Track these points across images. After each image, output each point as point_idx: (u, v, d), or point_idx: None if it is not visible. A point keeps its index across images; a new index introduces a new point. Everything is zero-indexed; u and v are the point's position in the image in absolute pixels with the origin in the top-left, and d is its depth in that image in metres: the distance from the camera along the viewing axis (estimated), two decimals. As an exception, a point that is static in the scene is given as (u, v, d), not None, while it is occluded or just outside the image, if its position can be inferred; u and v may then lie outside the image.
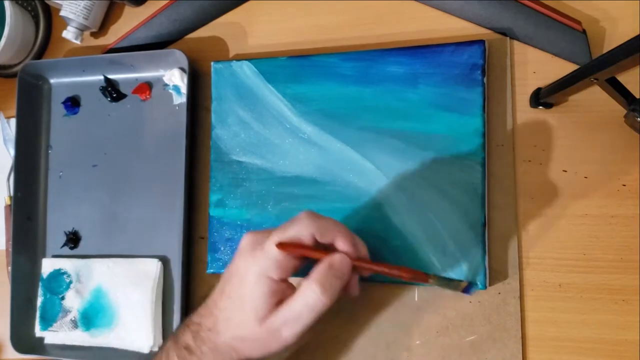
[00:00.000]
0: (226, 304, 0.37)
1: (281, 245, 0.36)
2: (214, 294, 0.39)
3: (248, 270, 0.36)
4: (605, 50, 0.43)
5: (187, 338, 0.38)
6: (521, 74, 0.46)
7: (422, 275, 0.38)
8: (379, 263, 0.39)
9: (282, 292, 0.37)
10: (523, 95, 0.46)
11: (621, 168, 0.43)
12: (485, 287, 0.43)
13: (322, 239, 0.37)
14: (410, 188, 0.45)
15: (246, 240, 0.38)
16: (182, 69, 0.54)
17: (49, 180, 0.58)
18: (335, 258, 0.36)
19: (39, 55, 0.62)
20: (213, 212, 0.51)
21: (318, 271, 0.35)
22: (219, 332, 0.37)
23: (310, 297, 0.35)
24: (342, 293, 0.37)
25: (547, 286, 0.44)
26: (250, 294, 0.36)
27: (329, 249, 0.38)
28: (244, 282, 0.37)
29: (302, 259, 0.37)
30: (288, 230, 0.36)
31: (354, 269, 0.37)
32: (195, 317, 0.39)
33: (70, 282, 0.55)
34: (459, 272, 0.43)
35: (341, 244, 0.37)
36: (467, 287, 0.39)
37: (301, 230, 0.36)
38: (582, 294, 0.43)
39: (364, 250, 0.39)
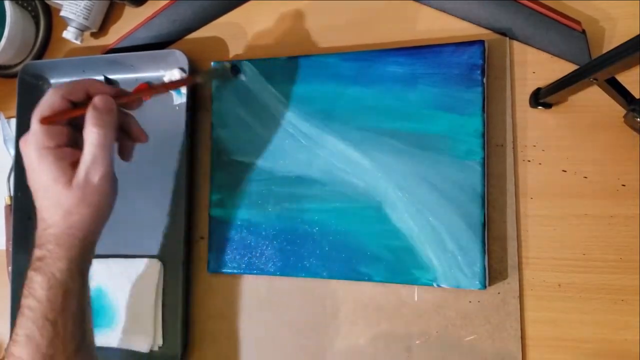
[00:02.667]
0: (39, 197, 0.39)
1: (43, 119, 0.38)
2: (35, 205, 0.40)
3: (30, 156, 0.38)
4: (605, 51, 0.43)
5: (36, 252, 0.40)
6: (521, 74, 0.46)
7: (185, 81, 0.42)
8: (135, 90, 0.42)
9: (69, 155, 0.39)
10: (523, 95, 0.46)
11: (621, 168, 0.43)
12: (485, 287, 0.43)
13: (76, 97, 0.39)
14: (410, 188, 0.45)
15: (20, 141, 0.40)
16: (182, 69, 0.54)
17: (49, 180, 0.58)
18: (95, 99, 0.39)
19: (39, 55, 0.62)
20: (213, 212, 0.51)
21: (87, 117, 0.38)
22: (51, 225, 0.39)
23: (93, 138, 0.38)
24: (131, 141, 0.43)
25: (546, 286, 0.44)
26: (43, 172, 0.38)
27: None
28: (34, 168, 0.39)
29: (68, 125, 0.39)
30: (41, 106, 0.39)
31: (124, 105, 0.41)
32: (36, 234, 0.41)
33: (71, 282, 0.55)
34: (459, 271, 0.43)
35: (94, 89, 0.40)
36: (235, 69, 0.43)
37: (52, 98, 0.39)
38: (581, 294, 0.43)
39: (116, 90, 0.41)
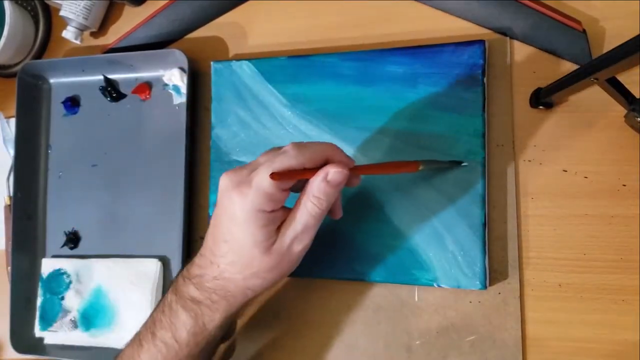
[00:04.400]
0: (224, 249, 0.36)
1: (275, 175, 0.34)
2: (206, 244, 0.38)
3: (237, 209, 0.35)
4: (605, 50, 0.43)
5: (190, 290, 0.37)
6: (521, 73, 0.46)
7: (412, 165, 0.39)
8: (372, 164, 0.39)
9: (278, 218, 0.36)
10: (523, 95, 0.46)
11: (621, 168, 0.43)
12: (485, 287, 0.43)
13: (314, 164, 0.36)
14: (410, 188, 0.45)
15: (226, 180, 0.36)
16: (182, 69, 0.54)
17: (48, 180, 0.58)
18: (331, 172, 0.35)
19: (39, 55, 0.62)
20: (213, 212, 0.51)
21: (316, 185, 0.35)
22: (226, 278, 0.36)
23: (312, 209, 0.35)
24: (329, 215, 0.39)
25: (547, 286, 0.44)
26: (247, 233, 0.35)
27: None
28: (237, 222, 0.35)
29: (289, 191, 0.36)
30: (276, 162, 0.35)
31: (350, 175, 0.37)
32: (193, 270, 0.38)
33: (70, 282, 0.55)
34: (459, 272, 0.43)
35: (333, 158, 0.37)
36: (457, 161, 0.41)
37: (291, 159, 0.35)
38: (581, 294, 0.43)
39: (352, 163, 0.39)
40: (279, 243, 0.36)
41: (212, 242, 0.37)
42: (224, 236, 0.36)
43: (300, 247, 0.37)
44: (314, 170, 0.36)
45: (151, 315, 0.40)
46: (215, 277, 0.37)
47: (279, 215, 0.36)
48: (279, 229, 0.36)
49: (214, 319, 0.37)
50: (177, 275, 0.40)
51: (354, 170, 0.37)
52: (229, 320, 0.38)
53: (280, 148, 0.37)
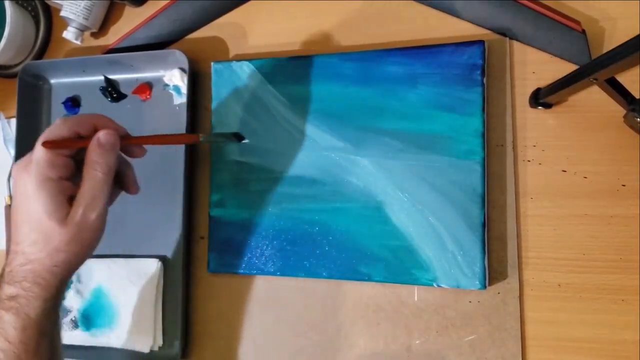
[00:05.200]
0: (23, 231, 0.37)
1: (47, 143, 0.36)
2: (11, 237, 0.39)
3: (27, 185, 0.36)
4: (604, 51, 0.43)
5: (5, 289, 0.37)
6: (521, 74, 0.46)
7: (190, 136, 0.41)
8: (146, 136, 0.41)
9: (68, 190, 0.37)
10: (523, 95, 0.46)
11: (621, 168, 0.43)
12: (484, 287, 0.43)
13: (83, 130, 0.38)
14: (409, 188, 0.45)
15: (15, 166, 0.38)
16: (182, 69, 0.54)
17: (49, 180, 0.58)
18: (100, 134, 0.38)
19: (39, 55, 0.62)
20: (213, 212, 0.51)
21: (90, 152, 0.37)
22: (32, 260, 0.37)
23: (93, 175, 0.37)
24: (121, 189, 0.42)
25: (546, 286, 0.44)
26: (39, 203, 0.36)
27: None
28: (28, 198, 0.37)
29: (71, 158, 0.38)
30: (47, 132, 0.37)
31: (126, 150, 0.41)
32: (5, 269, 0.39)
33: (71, 282, 0.55)
34: (459, 271, 0.43)
35: (101, 124, 0.39)
36: (239, 136, 0.43)
37: (59, 128, 0.37)
38: (581, 294, 0.43)
39: (123, 130, 0.41)
40: (73, 213, 0.37)
41: (14, 233, 0.38)
42: (23, 217, 0.37)
43: (93, 214, 0.37)
44: (85, 140, 0.38)
45: None
46: (22, 264, 0.37)
47: (67, 186, 0.38)
48: (70, 202, 0.37)
49: (34, 306, 0.37)
50: None
51: (131, 139, 0.40)
52: (52, 305, 0.38)
53: None
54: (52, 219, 0.36)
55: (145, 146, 0.42)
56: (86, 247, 0.38)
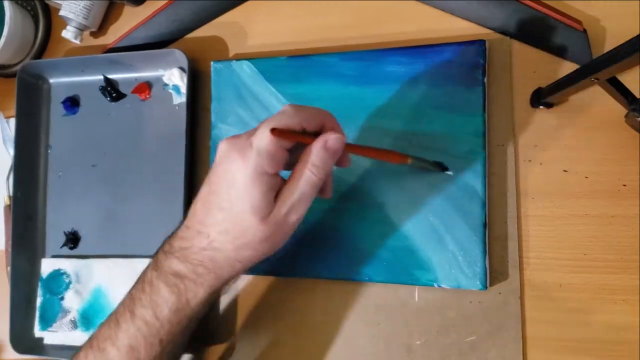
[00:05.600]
0: (218, 217, 0.35)
1: (275, 131, 0.33)
2: (194, 214, 0.36)
3: (239, 173, 0.33)
4: (605, 50, 0.43)
5: (174, 264, 0.35)
6: (521, 73, 0.46)
7: (404, 157, 0.39)
8: (364, 146, 0.39)
9: (277, 185, 0.35)
10: (523, 95, 0.46)
11: (621, 168, 0.43)
12: (485, 287, 0.43)
13: (310, 127, 0.35)
14: (410, 188, 0.45)
15: (227, 145, 0.35)
16: (182, 69, 0.54)
17: (48, 180, 0.58)
18: (330, 138, 0.35)
19: (39, 55, 0.61)
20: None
21: (314, 153, 0.34)
22: (216, 248, 0.35)
23: (309, 177, 0.34)
24: (319, 194, 0.37)
25: (547, 286, 0.44)
26: (248, 197, 0.33)
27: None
28: (237, 187, 0.34)
29: (290, 152, 0.35)
30: (276, 118, 0.34)
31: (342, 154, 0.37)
32: (177, 242, 0.36)
33: (70, 282, 0.55)
34: (460, 272, 0.43)
35: (330, 125, 0.36)
36: (443, 166, 0.43)
37: (290, 118, 0.34)
38: (582, 294, 0.43)
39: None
40: (276, 211, 0.34)
41: (202, 212, 0.36)
42: (221, 203, 0.34)
43: (295, 217, 0.35)
44: (312, 137, 0.35)
45: (129, 294, 0.38)
46: (204, 248, 0.35)
47: (278, 182, 0.35)
48: (275, 198, 0.35)
49: (198, 294, 0.35)
50: (157, 251, 0.39)
51: (346, 147, 0.37)
52: (213, 296, 0.37)
53: None
54: (256, 215, 0.34)
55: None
56: (274, 247, 0.36)
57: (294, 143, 0.35)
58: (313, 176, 0.35)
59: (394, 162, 0.40)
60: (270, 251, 0.37)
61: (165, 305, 0.35)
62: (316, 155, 0.34)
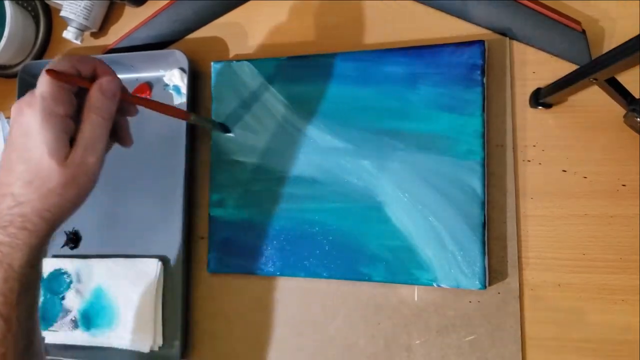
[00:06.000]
0: (18, 171, 0.35)
1: (51, 72, 0.35)
2: (1, 179, 0.36)
3: (31, 121, 0.35)
4: (604, 50, 0.43)
5: None
6: (521, 74, 0.46)
7: (184, 113, 0.43)
8: (145, 98, 0.42)
9: (69, 128, 0.36)
10: (523, 95, 0.46)
11: (621, 168, 0.43)
12: (484, 287, 0.43)
13: (84, 70, 0.37)
14: (409, 188, 0.45)
15: (16, 104, 0.36)
16: (182, 69, 0.54)
17: (49, 180, 0.58)
18: (103, 80, 0.37)
19: (39, 55, 0.62)
20: (213, 212, 0.51)
21: (92, 97, 0.36)
22: (22, 203, 0.35)
23: (94, 119, 0.36)
24: (115, 141, 0.41)
25: (546, 286, 0.44)
26: (42, 140, 0.34)
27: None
28: (31, 134, 0.35)
29: (77, 97, 0.37)
30: (50, 65, 0.36)
31: (122, 104, 0.39)
32: None
33: (71, 282, 0.55)
34: (459, 271, 0.43)
35: (102, 70, 0.38)
36: (224, 127, 0.46)
37: (62, 62, 0.36)
38: (581, 294, 0.43)
39: (121, 83, 0.40)
40: (73, 154, 0.35)
41: (4, 173, 0.36)
42: (20, 155, 0.35)
43: (93, 158, 0.36)
44: (89, 82, 0.37)
45: None
46: (10, 207, 0.35)
47: (70, 125, 0.36)
48: (71, 144, 0.36)
49: (18, 256, 0.35)
50: None
51: (128, 96, 0.39)
52: (37, 255, 0.37)
53: None
54: (53, 157, 0.34)
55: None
56: (81, 192, 0.37)
57: (75, 87, 0.37)
58: (98, 117, 0.36)
59: (177, 117, 0.43)
60: (78, 197, 0.37)
61: None
62: (95, 98, 0.36)
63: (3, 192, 0.36)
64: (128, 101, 0.40)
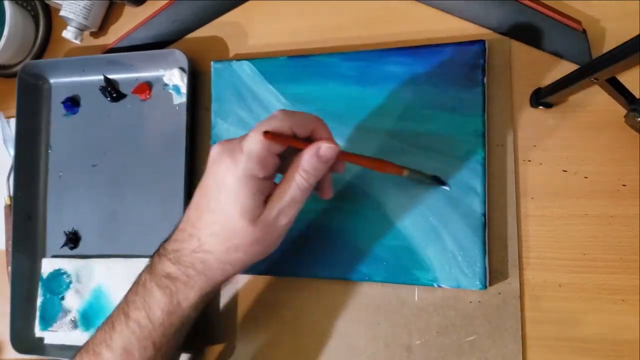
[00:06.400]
0: (208, 219, 0.35)
1: (268, 134, 0.33)
2: (187, 217, 0.37)
3: (229, 175, 0.34)
4: (605, 50, 0.43)
5: (166, 266, 0.36)
6: (521, 74, 0.46)
7: (397, 168, 0.40)
8: (359, 155, 0.39)
9: (267, 189, 0.35)
10: (523, 95, 0.46)
11: (621, 168, 0.43)
12: (485, 287, 0.43)
13: (301, 132, 0.35)
14: (410, 188, 0.45)
15: (218, 148, 0.35)
16: (182, 69, 0.54)
17: (48, 180, 0.58)
18: (323, 147, 0.35)
19: (39, 55, 0.62)
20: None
21: (306, 159, 0.35)
22: (207, 251, 0.35)
23: (301, 182, 0.35)
24: (317, 192, 0.39)
25: (547, 286, 0.44)
26: (237, 200, 0.34)
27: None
28: (226, 189, 0.34)
29: (280, 158, 0.36)
30: (268, 123, 0.34)
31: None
32: (170, 245, 0.37)
33: (70, 282, 0.55)
34: (459, 272, 0.43)
35: (321, 133, 0.36)
36: (441, 180, 0.43)
37: (281, 122, 0.34)
38: (582, 294, 0.43)
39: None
40: (266, 214, 0.35)
41: (194, 214, 0.36)
42: (211, 206, 0.35)
43: (285, 220, 0.36)
44: (304, 142, 0.35)
45: (125, 297, 0.39)
46: (194, 250, 0.35)
47: (268, 186, 0.35)
48: (265, 201, 0.35)
49: (189, 296, 0.36)
50: (153, 254, 0.39)
51: (341, 155, 0.37)
52: (205, 299, 0.37)
53: None
54: (244, 218, 0.34)
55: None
56: (266, 250, 0.36)
57: (284, 148, 0.35)
58: (303, 181, 0.35)
59: (389, 173, 0.40)
60: (262, 254, 0.37)
61: (157, 307, 0.36)
62: (307, 161, 0.35)
63: (190, 232, 0.36)
64: (341, 160, 0.38)
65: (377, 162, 0.39)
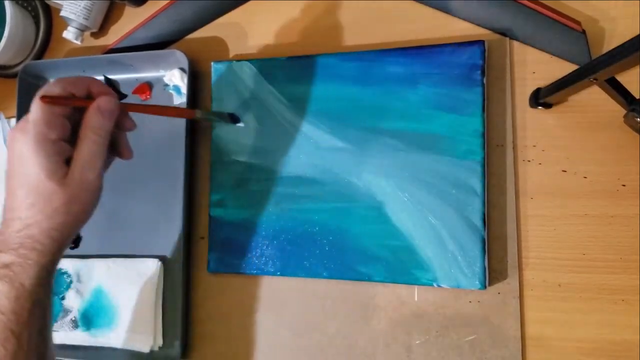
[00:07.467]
0: (21, 194, 0.36)
1: (44, 97, 0.35)
2: (5, 205, 0.37)
3: (23, 147, 0.36)
4: (604, 51, 0.43)
5: (1, 257, 0.36)
6: (521, 74, 0.46)
7: (187, 111, 0.41)
8: (142, 104, 0.40)
9: (65, 151, 0.37)
10: (523, 95, 0.46)
11: (621, 168, 0.43)
12: (484, 287, 0.43)
13: (78, 91, 0.37)
14: (409, 188, 0.45)
15: (10, 131, 0.37)
16: (182, 69, 0.54)
17: (49, 180, 0.58)
18: (100, 100, 0.37)
19: (39, 55, 0.62)
20: (213, 212, 0.51)
21: (89, 116, 0.37)
22: (30, 225, 0.36)
23: (92, 137, 0.37)
24: (115, 155, 0.41)
25: (546, 286, 0.44)
26: (37, 164, 0.35)
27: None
28: (26, 159, 0.36)
29: (71, 121, 0.37)
30: (43, 91, 0.36)
31: (118, 122, 0.39)
32: None
33: (71, 282, 0.55)
34: (459, 271, 0.43)
35: (97, 89, 0.38)
36: (234, 117, 0.43)
37: (54, 86, 0.37)
38: (582, 294, 0.43)
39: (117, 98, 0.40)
40: (71, 172, 0.36)
41: (9, 200, 0.37)
42: (19, 181, 0.36)
43: (93, 174, 0.37)
44: (85, 100, 0.37)
45: None
46: (19, 230, 0.36)
47: (64, 147, 0.37)
48: (68, 164, 0.37)
49: (30, 274, 0.36)
50: None
51: (128, 107, 0.39)
52: (48, 273, 0.37)
53: None
54: (51, 179, 0.35)
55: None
56: (85, 207, 0.38)
57: (69, 110, 0.37)
58: (95, 136, 0.37)
59: (181, 117, 0.41)
60: (84, 212, 0.38)
61: (3, 297, 0.36)
62: (91, 117, 0.37)
63: (10, 216, 0.37)
64: (129, 112, 0.40)
65: (164, 108, 0.42)
